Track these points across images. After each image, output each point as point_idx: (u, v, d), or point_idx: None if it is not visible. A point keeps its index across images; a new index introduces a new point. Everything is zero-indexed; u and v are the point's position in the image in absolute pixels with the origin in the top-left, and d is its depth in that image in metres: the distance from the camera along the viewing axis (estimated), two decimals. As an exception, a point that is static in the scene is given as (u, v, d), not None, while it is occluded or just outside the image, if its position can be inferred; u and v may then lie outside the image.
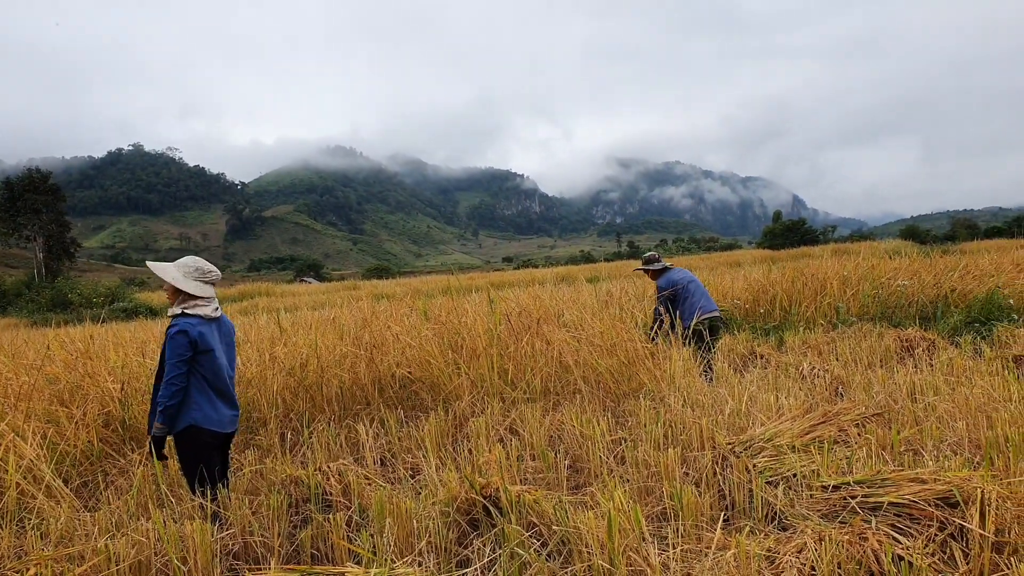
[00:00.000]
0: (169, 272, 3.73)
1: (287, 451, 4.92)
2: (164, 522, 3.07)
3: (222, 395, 3.82)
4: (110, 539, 3.12)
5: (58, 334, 8.59)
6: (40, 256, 60.30)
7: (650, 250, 7.49)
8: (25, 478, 3.87)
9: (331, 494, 3.89)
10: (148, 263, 3.81)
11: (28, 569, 2.83)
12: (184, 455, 3.71)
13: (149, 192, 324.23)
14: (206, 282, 3.82)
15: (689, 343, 6.31)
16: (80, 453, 4.62)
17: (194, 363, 3.67)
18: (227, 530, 3.41)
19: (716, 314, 6.73)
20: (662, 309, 6.70)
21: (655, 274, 7.14)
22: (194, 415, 3.66)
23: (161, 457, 3.62)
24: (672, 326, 6.41)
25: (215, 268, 3.89)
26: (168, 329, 3.65)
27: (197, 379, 3.72)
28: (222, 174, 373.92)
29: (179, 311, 3.71)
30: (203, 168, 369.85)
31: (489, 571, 3.01)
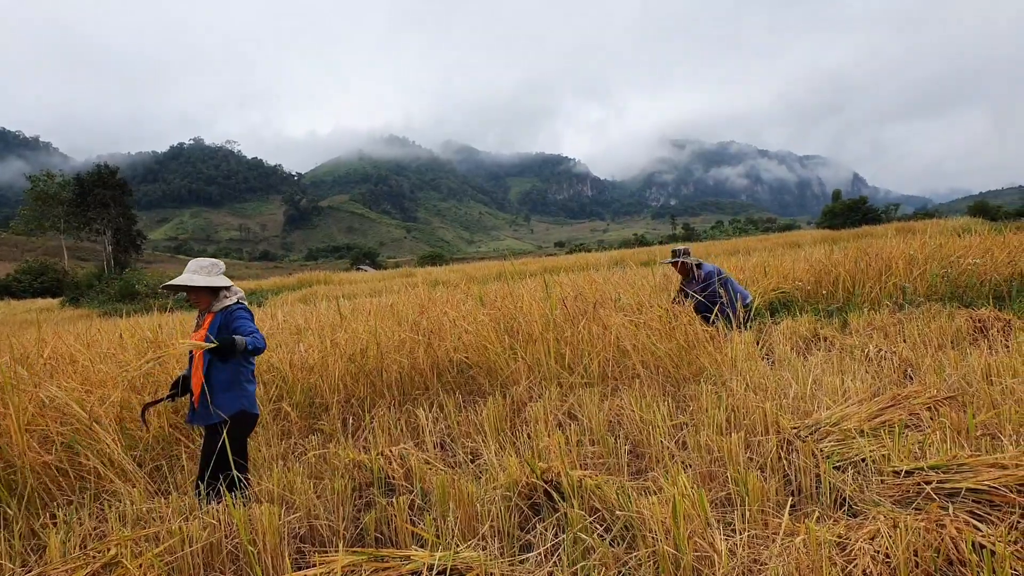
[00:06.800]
0: (216, 280, 3.90)
1: (349, 436, 5.01)
2: (234, 505, 3.15)
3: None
4: (183, 521, 3.23)
5: (129, 324, 8.91)
6: (109, 249, 62.79)
7: (678, 245, 7.86)
8: (103, 463, 4.03)
9: (393, 478, 3.94)
10: (185, 283, 3.80)
11: (109, 549, 2.95)
12: (236, 440, 3.77)
13: (209, 184, 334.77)
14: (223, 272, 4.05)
15: (746, 326, 6.40)
16: (152, 438, 4.79)
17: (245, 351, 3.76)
18: (293, 513, 3.49)
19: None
20: (722, 292, 6.75)
21: (698, 266, 7.21)
22: (244, 401, 3.84)
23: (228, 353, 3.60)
24: (732, 308, 6.54)
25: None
26: (233, 312, 3.87)
27: (245, 367, 3.91)
28: (279, 165, 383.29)
29: (234, 300, 3.94)
30: (261, 160, 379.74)
31: (552, 556, 3.00)
